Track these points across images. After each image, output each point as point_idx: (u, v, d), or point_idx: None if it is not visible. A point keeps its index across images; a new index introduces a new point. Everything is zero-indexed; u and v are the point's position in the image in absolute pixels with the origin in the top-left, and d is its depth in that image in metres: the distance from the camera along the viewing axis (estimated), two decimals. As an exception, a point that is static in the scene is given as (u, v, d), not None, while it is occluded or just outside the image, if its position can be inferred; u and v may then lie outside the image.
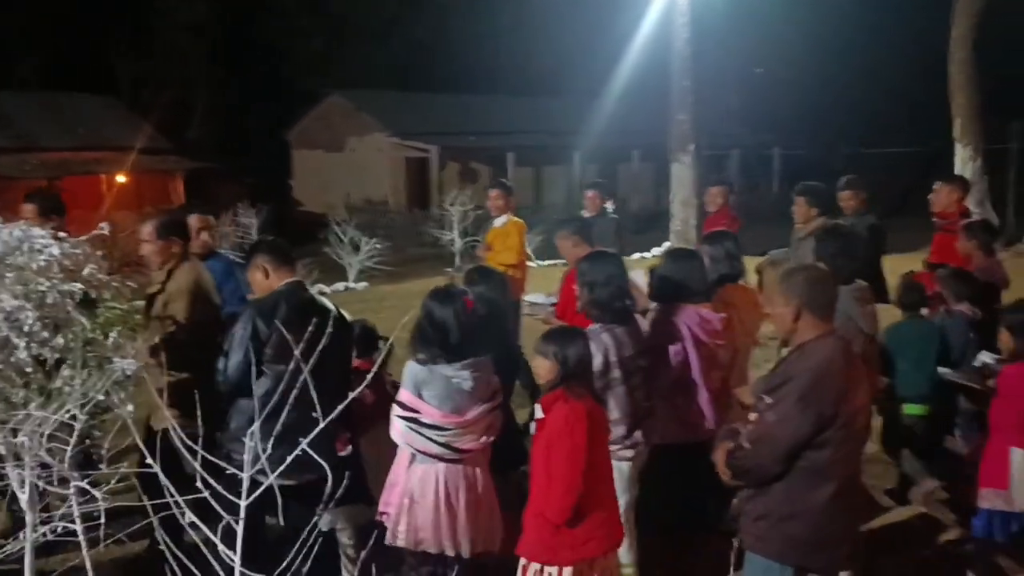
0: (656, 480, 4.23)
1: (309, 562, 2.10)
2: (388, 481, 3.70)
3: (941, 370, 4.99)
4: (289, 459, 2.10)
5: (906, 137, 25.31)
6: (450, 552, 3.58)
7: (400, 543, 3.59)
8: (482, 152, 24.77)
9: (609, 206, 18.83)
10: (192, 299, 4.28)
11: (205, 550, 2.03)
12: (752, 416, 3.13)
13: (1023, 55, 25.34)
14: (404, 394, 3.57)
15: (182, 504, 2.06)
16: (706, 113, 18.77)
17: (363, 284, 14.29)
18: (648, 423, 4.09)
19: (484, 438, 3.61)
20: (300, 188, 27.43)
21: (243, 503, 1.97)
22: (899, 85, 27.63)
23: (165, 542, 2.07)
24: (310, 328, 2.57)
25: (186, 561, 2.10)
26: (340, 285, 13.94)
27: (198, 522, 2.04)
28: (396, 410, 3.58)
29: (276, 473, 2.02)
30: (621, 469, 3.87)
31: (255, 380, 3.27)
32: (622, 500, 3.78)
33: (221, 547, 1.98)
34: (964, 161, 15.49)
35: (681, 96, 15.37)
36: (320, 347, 2.34)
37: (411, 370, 3.58)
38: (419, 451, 3.57)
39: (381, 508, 3.70)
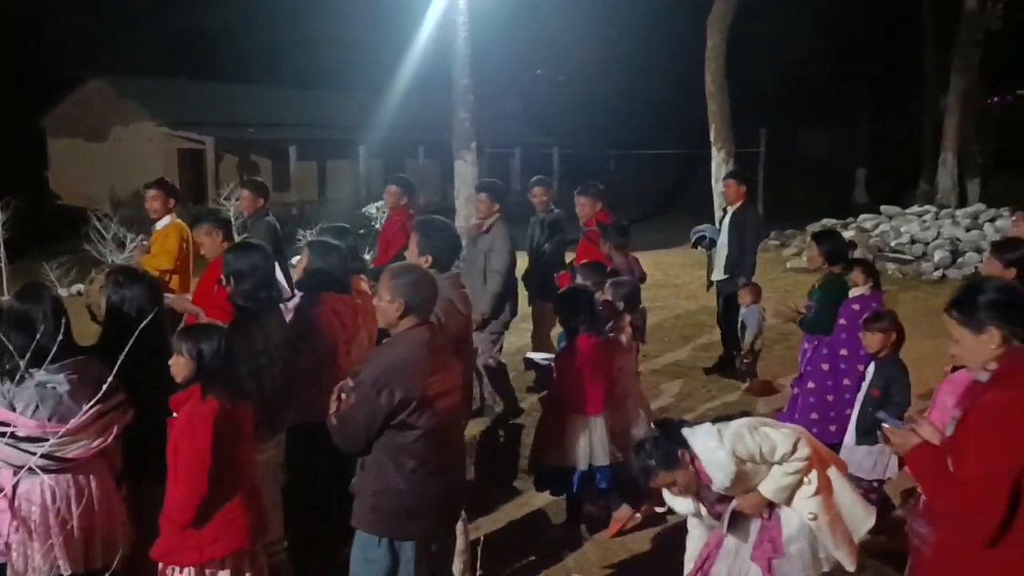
0: (303, 461, 4.35)
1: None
2: None
3: (528, 355, 5.53)
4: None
5: (672, 140, 27.19)
6: (66, 571, 3.38)
7: (17, 571, 3.33)
8: (262, 145, 23.91)
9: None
10: None
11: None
12: (343, 396, 3.40)
13: (772, 66, 27.97)
14: None
15: None
16: (488, 112, 19.16)
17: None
18: (291, 407, 4.22)
19: (98, 442, 3.42)
20: (57, 179, 25.23)
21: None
22: (665, 91, 29.59)
23: None
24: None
25: None
26: (104, 285, 12.94)
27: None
28: None
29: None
30: (264, 451, 3.96)
31: None
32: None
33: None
34: (719, 164, 16.80)
35: (462, 94, 15.61)
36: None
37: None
38: (17, 466, 3.31)
39: None
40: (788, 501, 3.51)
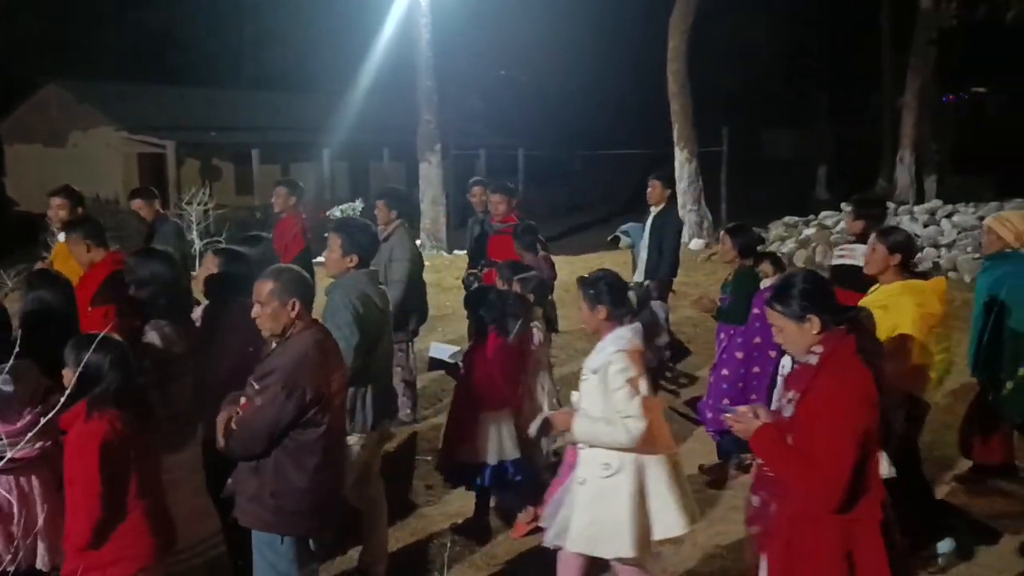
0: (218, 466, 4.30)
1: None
2: None
3: (432, 352, 5.62)
4: None
5: (638, 140, 27.32)
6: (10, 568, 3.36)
7: None
8: (225, 149, 23.65)
9: (358, 204, 18.73)
10: None
11: None
12: (243, 400, 3.48)
13: (734, 66, 28.28)
14: None
15: None
16: (452, 114, 19.13)
17: (91, 290, 13.11)
18: (205, 414, 4.18)
19: (40, 443, 3.40)
20: (15, 186, 24.75)
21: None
22: (629, 92, 29.77)
23: None
24: None
25: None
26: (64, 292, 12.71)
27: None
28: None
29: None
30: (180, 463, 3.94)
31: None
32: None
33: None
34: (682, 163, 16.95)
35: (426, 96, 15.59)
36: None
37: None
38: None
39: None
40: (589, 444, 3.66)
